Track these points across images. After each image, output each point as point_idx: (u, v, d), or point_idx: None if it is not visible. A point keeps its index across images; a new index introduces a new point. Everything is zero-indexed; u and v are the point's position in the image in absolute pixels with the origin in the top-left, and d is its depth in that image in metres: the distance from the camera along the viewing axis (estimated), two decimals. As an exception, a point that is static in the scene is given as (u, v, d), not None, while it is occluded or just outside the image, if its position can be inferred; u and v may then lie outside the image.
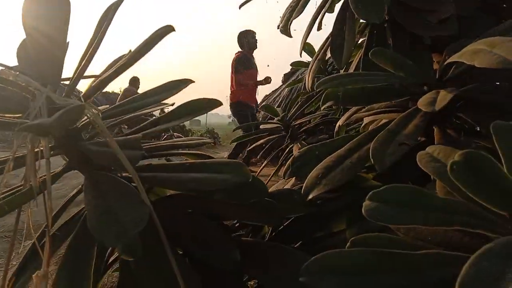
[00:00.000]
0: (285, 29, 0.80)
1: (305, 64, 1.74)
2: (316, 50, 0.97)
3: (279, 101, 6.49)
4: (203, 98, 0.47)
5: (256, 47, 4.36)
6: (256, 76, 4.38)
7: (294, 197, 0.55)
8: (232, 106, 4.45)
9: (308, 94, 1.61)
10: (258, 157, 1.64)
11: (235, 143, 4.08)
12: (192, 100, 0.47)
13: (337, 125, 0.72)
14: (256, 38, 4.30)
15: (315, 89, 0.53)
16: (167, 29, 0.43)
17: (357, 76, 0.54)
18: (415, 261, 0.32)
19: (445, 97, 0.50)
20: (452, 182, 0.36)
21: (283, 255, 0.50)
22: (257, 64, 4.47)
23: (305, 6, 0.76)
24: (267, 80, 4.38)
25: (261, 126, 1.43)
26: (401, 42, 0.71)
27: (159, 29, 0.43)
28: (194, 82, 0.50)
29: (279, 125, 1.36)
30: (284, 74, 7.28)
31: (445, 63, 0.55)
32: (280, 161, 1.35)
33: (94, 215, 0.38)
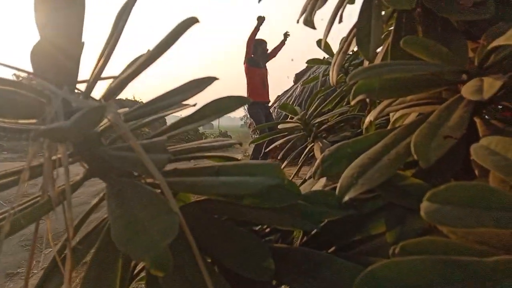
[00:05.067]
0: (309, 20, 0.76)
1: (321, 61, 1.69)
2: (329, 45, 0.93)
3: (292, 101, 6.46)
4: (233, 96, 0.44)
5: (267, 53, 5.19)
6: (265, 75, 5.07)
7: (329, 199, 0.51)
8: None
9: (326, 92, 1.57)
10: (278, 157, 1.60)
11: (254, 146, 4.43)
12: (220, 98, 0.44)
13: (367, 120, 0.68)
14: (268, 47, 5.16)
15: (348, 81, 0.49)
16: (191, 21, 0.39)
17: (394, 65, 0.50)
18: (487, 270, 0.27)
19: (493, 85, 0.46)
20: (520, 177, 0.31)
21: (320, 262, 0.47)
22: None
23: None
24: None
25: (280, 126, 1.39)
26: (432, 29, 0.67)
27: (182, 22, 0.40)
28: (218, 79, 0.46)
29: (299, 124, 1.32)
30: (295, 74, 7.25)
31: (489, 48, 0.51)
32: (300, 161, 1.31)
33: (119, 226, 0.35)
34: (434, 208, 0.30)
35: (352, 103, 0.59)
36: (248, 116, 5.19)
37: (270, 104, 5.59)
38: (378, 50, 0.89)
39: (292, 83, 7.30)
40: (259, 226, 0.61)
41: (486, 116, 0.59)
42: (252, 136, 9.28)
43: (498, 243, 0.34)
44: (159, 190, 0.39)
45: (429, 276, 0.27)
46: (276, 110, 6.60)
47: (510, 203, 0.29)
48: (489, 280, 0.27)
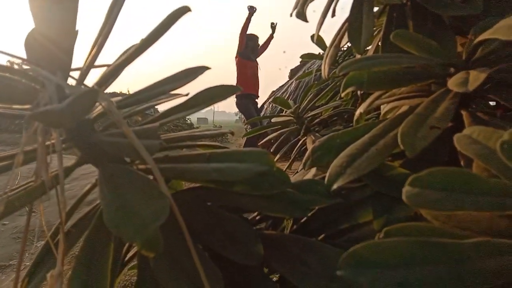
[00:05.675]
0: (301, 13, 0.77)
1: (315, 56, 1.70)
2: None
3: (286, 96, 6.46)
4: (223, 85, 0.45)
5: (258, 49, 5.28)
6: (255, 68, 5.15)
7: (318, 187, 0.52)
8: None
9: (320, 86, 1.58)
10: (271, 151, 1.61)
11: (245, 140, 4.45)
12: (212, 87, 0.45)
13: (358, 112, 0.69)
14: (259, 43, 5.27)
15: (338, 73, 0.50)
16: (183, 10, 0.40)
17: (383, 58, 0.51)
18: (465, 251, 0.29)
19: (478, 77, 0.47)
20: (498, 163, 0.33)
21: (308, 248, 0.48)
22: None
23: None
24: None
25: (273, 120, 1.39)
26: (422, 24, 0.68)
27: (174, 11, 0.41)
28: (210, 68, 0.47)
29: (292, 117, 1.33)
30: (290, 70, 7.25)
31: (476, 41, 0.52)
32: (293, 154, 1.32)
33: (111, 209, 0.36)
34: (415, 192, 0.32)
35: (342, 95, 0.60)
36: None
37: (265, 100, 5.63)
38: (368, 48, 0.91)
39: (285, 76, 7.31)
40: (251, 216, 0.63)
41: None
42: (246, 130, 9.30)
43: (477, 228, 0.36)
44: (151, 176, 0.40)
45: (409, 256, 0.28)
46: (271, 105, 6.62)
47: (488, 188, 0.30)
48: (467, 260, 0.29)
